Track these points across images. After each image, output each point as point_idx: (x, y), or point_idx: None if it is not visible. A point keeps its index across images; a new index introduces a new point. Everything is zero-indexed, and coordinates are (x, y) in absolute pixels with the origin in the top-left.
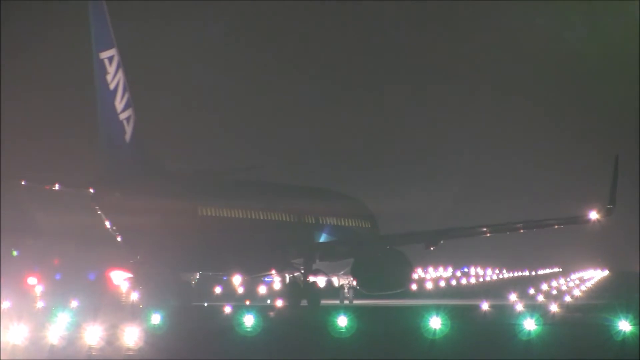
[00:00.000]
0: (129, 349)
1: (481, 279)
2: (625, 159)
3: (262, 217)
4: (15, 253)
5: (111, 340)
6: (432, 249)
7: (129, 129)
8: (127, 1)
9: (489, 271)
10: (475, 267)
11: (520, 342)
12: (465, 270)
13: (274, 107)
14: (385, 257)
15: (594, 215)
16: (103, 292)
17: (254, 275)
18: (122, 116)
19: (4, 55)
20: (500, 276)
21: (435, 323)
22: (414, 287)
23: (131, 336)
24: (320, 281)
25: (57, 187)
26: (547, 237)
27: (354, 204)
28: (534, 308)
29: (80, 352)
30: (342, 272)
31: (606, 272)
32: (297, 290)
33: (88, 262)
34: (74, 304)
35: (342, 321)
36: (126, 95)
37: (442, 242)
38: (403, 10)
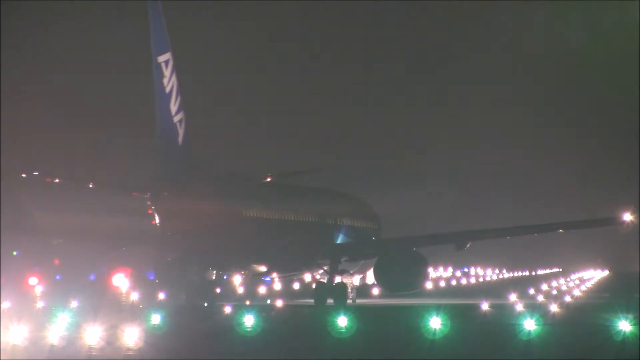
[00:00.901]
0: (129, 349)
1: (481, 279)
2: (624, 160)
3: (294, 219)
4: (14, 253)
5: (111, 340)
6: (458, 250)
7: (181, 132)
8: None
9: (489, 271)
10: (475, 267)
11: (520, 342)
12: (465, 270)
13: (272, 108)
14: (407, 258)
15: (627, 216)
16: (103, 292)
17: (284, 274)
18: (176, 119)
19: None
20: (500, 276)
21: (435, 323)
22: None
23: (131, 336)
24: (347, 280)
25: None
26: (547, 237)
27: (363, 205)
28: (534, 308)
29: (80, 352)
30: (351, 272)
31: (606, 273)
32: (324, 290)
33: (88, 262)
34: (74, 304)
35: (342, 321)
36: (179, 98)
37: (469, 243)
38: (403, 10)
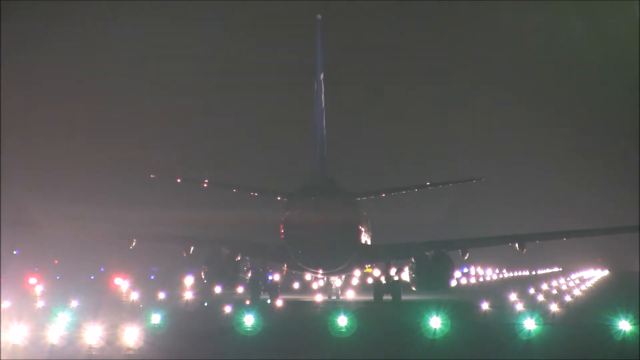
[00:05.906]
0: (129, 349)
1: (481, 279)
2: (623, 160)
3: (366, 226)
4: (15, 252)
5: (111, 340)
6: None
7: (325, 144)
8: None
9: (489, 271)
10: (475, 267)
11: (520, 342)
12: (465, 270)
13: (270, 110)
14: (440, 259)
15: None
16: (103, 292)
17: (346, 273)
18: (324, 132)
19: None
20: (500, 276)
21: (435, 322)
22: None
23: (131, 336)
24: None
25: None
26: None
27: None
28: (534, 308)
29: (80, 352)
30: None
31: (606, 272)
32: (381, 287)
33: (88, 262)
34: (74, 304)
35: (342, 320)
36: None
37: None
38: (402, 10)
